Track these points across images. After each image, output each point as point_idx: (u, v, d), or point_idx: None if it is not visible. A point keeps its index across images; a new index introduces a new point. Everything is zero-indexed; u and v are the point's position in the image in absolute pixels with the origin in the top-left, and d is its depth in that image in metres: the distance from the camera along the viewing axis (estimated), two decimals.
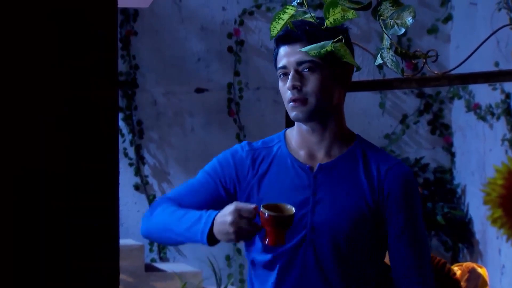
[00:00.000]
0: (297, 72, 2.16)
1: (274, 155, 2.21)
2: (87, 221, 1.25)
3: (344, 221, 2.13)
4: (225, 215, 2.03)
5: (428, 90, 5.56)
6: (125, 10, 5.27)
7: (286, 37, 2.17)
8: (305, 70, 2.16)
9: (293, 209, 2.03)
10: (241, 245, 4.33)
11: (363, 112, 5.50)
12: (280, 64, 2.19)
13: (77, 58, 1.24)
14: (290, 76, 2.16)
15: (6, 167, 1.22)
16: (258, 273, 2.19)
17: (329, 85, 2.17)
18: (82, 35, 1.24)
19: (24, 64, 1.23)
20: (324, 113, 2.17)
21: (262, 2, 5.45)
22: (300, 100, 2.15)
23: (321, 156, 2.19)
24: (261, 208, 2.01)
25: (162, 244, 2.24)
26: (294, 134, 2.24)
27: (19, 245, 1.22)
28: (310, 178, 2.16)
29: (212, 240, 2.06)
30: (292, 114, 2.17)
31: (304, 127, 2.20)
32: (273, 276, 2.15)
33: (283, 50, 2.19)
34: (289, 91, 2.16)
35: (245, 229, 2.02)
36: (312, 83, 2.15)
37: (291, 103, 2.16)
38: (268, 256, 2.15)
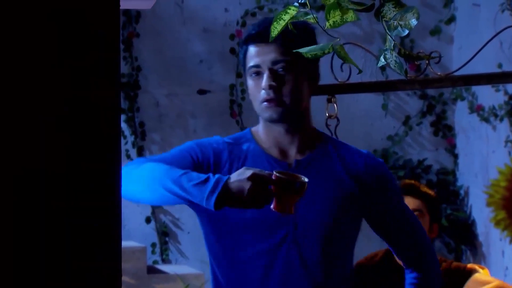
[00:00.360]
0: (272, 71, 2.12)
1: (246, 152, 2.16)
2: (87, 221, 1.24)
3: (327, 217, 2.11)
4: (242, 181, 1.94)
5: (431, 92, 5.55)
6: (127, 12, 5.26)
7: (259, 36, 2.13)
8: (280, 69, 2.12)
9: (306, 179, 1.99)
10: None
11: (365, 114, 5.48)
12: (251, 63, 2.14)
13: (77, 58, 1.24)
14: (265, 76, 2.11)
15: (6, 167, 1.21)
16: (238, 270, 2.12)
17: (303, 86, 2.15)
18: (82, 35, 1.24)
19: (24, 64, 1.23)
20: (297, 114, 2.15)
21: (265, 4, 5.44)
22: (275, 100, 2.11)
23: (293, 154, 2.16)
24: (274, 172, 1.97)
25: (148, 201, 2.08)
26: (262, 134, 2.18)
27: (19, 245, 1.22)
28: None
29: (218, 204, 1.96)
30: (266, 115, 2.12)
31: (275, 127, 2.16)
32: (256, 273, 2.10)
33: (255, 48, 2.14)
34: (264, 91, 2.11)
35: (262, 196, 1.95)
36: (288, 83, 2.12)
37: (265, 103, 2.12)
38: (249, 253, 2.10)
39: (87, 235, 1.24)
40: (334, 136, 3.17)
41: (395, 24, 1.76)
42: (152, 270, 5.12)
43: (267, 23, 2.11)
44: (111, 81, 1.25)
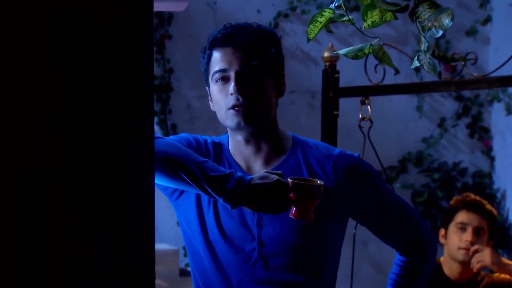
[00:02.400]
0: (239, 75, 2.01)
1: (224, 160, 2.08)
2: (87, 221, 1.24)
3: (293, 233, 2.01)
4: (266, 185, 1.87)
5: (466, 93, 5.48)
6: (159, 14, 5.25)
7: (225, 40, 2.03)
8: (249, 74, 2.01)
9: (321, 182, 1.93)
10: None
11: (399, 116, 5.43)
12: (217, 67, 2.03)
13: (77, 58, 1.23)
14: (233, 81, 2.00)
15: (6, 167, 1.20)
16: (206, 278, 2.07)
17: (271, 92, 2.04)
18: (83, 35, 1.23)
19: (24, 64, 1.22)
20: (264, 122, 2.03)
21: (297, 5, 5.40)
22: (243, 106, 1.99)
23: (258, 166, 2.06)
24: (288, 179, 1.92)
25: (161, 178, 1.95)
26: (230, 144, 2.09)
27: (19, 245, 1.22)
28: None
29: (236, 202, 1.88)
30: (233, 122, 2.00)
31: (238, 137, 2.06)
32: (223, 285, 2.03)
33: (221, 53, 2.03)
34: (232, 96, 2.00)
35: (283, 203, 1.88)
36: (256, 88, 2.01)
37: (232, 110, 2.00)
38: (220, 274, 2.04)
39: (87, 236, 1.24)
40: (367, 139, 3.14)
41: (429, 25, 1.72)
42: (184, 273, 5.11)
43: (232, 28, 2.03)
44: (111, 81, 1.25)
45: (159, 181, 1.94)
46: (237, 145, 2.08)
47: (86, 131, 1.24)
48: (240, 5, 5.37)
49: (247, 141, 2.07)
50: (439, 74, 1.72)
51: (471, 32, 5.45)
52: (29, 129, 1.22)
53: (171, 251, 4.93)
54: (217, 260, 2.05)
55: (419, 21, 1.74)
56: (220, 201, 1.89)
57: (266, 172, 1.91)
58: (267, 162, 2.07)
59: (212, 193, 1.89)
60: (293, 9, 5.40)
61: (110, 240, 1.25)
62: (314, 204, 1.92)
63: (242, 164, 2.08)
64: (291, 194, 1.91)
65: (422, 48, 1.74)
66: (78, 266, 1.24)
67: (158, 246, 4.86)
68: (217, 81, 2.04)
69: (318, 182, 1.93)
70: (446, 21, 1.69)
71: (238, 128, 2.03)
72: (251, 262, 2.03)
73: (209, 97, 2.12)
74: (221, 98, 2.03)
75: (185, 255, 5.26)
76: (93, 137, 1.24)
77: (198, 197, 2.07)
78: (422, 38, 1.73)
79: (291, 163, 2.06)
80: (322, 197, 1.93)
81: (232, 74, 2.02)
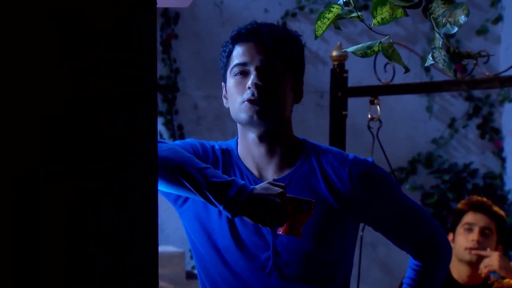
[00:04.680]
0: (260, 70, 1.97)
1: (233, 167, 2.02)
2: (87, 221, 1.24)
3: (308, 241, 1.96)
4: (270, 196, 1.82)
5: (477, 93, 5.44)
6: (165, 13, 5.21)
7: (250, 35, 1.99)
8: (269, 71, 1.97)
9: (312, 201, 1.89)
10: None
11: (409, 116, 5.38)
12: (237, 61, 1.99)
13: (77, 58, 1.24)
14: (253, 74, 1.96)
15: (6, 167, 1.21)
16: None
17: (288, 93, 2.00)
18: (83, 35, 1.24)
19: (24, 64, 1.22)
20: (277, 120, 1.98)
21: (305, 4, 5.34)
22: (258, 101, 1.94)
23: (271, 172, 2.01)
24: None
25: (163, 184, 1.90)
26: (240, 148, 2.04)
27: (19, 245, 1.22)
28: None
29: (237, 212, 1.84)
30: (247, 115, 1.95)
31: (251, 135, 2.00)
32: None
33: (243, 47, 1.99)
34: (249, 90, 1.95)
35: (285, 217, 1.84)
36: (274, 86, 1.97)
37: (246, 103, 1.95)
38: (233, 281, 1.98)
39: (87, 235, 1.24)
40: (376, 139, 3.09)
41: (443, 21, 1.66)
42: (191, 275, 5.07)
43: (258, 24, 2.00)
44: (111, 81, 1.25)
45: (161, 187, 1.89)
46: (248, 146, 2.02)
47: (86, 131, 1.24)
48: (247, 4, 5.32)
49: (260, 139, 2.01)
50: (455, 71, 1.65)
51: (482, 31, 5.40)
52: (29, 129, 1.22)
53: (177, 253, 4.89)
54: (229, 267, 2.00)
55: (432, 17, 1.68)
56: (220, 208, 1.84)
57: (269, 183, 1.87)
58: (279, 167, 2.02)
59: (213, 200, 1.84)
60: (301, 8, 5.34)
61: (110, 240, 1.25)
62: (305, 220, 1.89)
63: (253, 169, 2.03)
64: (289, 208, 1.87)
65: (436, 45, 1.68)
66: (78, 266, 1.24)
67: (164, 248, 4.83)
68: (235, 74, 2.00)
69: (307, 199, 1.90)
70: (462, 17, 1.63)
71: (250, 122, 1.97)
72: (266, 271, 1.98)
73: (223, 93, 2.07)
74: (237, 92, 1.98)
75: (191, 257, 5.22)
76: (93, 137, 1.24)
77: (205, 204, 2.01)
78: (437, 35, 1.67)
79: (305, 169, 2.01)
80: (313, 214, 1.90)
81: (252, 68, 1.98)
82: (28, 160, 1.22)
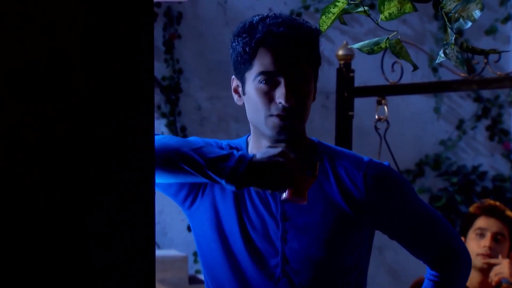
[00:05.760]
0: (290, 82, 1.85)
1: None
2: (88, 221, 1.26)
3: (319, 248, 1.89)
4: (271, 158, 1.75)
5: (486, 94, 5.39)
6: (168, 13, 5.15)
7: (278, 39, 1.86)
8: (299, 80, 1.87)
9: (316, 162, 1.83)
10: None
11: (416, 117, 5.33)
12: (264, 68, 1.86)
13: (75, 57, 1.24)
14: (284, 85, 1.84)
15: (6, 167, 1.22)
16: None
17: (311, 99, 1.92)
18: (82, 34, 1.25)
19: (23, 64, 1.23)
20: (299, 131, 1.91)
21: (310, 3, 5.28)
22: (288, 117, 1.85)
23: None
24: None
25: (162, 173, 1.85)
26: (253, 150, 1.95)
27: (19, 245, 1.23)
28: (277, 201, 1.90)
29: (241, 182, 1.77)
30: (273, 131, 1.86)
31: (265, 142, 1.91)
32: None
33: (270, 52, 1.86)
34: (279, 105, 1.85)
35: (292, 176, 1.76)
36: (303, 97, 1.87)
37: (274, 118, 1.85)
38: (239, 286, 1.92)
39: (87, 235, 1.25)
40: (383, 140, 3.02)
41: (456, 16, 1.58)
42: (194, 280, 5.03)
43: (283, 25, 1.88)
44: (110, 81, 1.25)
45: (161, 178, 1.84)
46: (261, 148, 1.93)
47: (85, 131, 1.25)
48: (251, 3, 5.26)
49: (276, 142, 1.92)
50: (468, 67, 1.57)
51: (491, 31, 5.36)
52: (29, 129, 1.23)
53: (180, 257, 4.84)
54: (239, 271, 1.94)
55: (444, 12, 1.60)
56: (223, 183, 1.77)
57: (267, 147, 1.81)
58: None
59: (214, 176, 1.78)
60: (306, 7, 5.29)
61: (109, 240, 1.26)
62: (311, 182, 1.81)
63: None
64: None
65: (449, 41, 1.59)
66: (77, 266, 1.25)
67: (167, 252, 4.81)
68: (260, 82, 1.88)
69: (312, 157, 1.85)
70: (476, 11, 1.55)
71: (275, 136, 1.89)
72: (275, 279, 1.91)
73: (238, 88, 1.96)
74: (262, 102, 1.87)
75: (195, 261, 5.18)
76: (93, 137, 1.25)
77: (215, 205, 1.95)
78: (449, 31, 1.59)
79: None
80: (316, 176, 1.83)
81: (281, 79, 1.86)
82: (28, 160, 1.22)
